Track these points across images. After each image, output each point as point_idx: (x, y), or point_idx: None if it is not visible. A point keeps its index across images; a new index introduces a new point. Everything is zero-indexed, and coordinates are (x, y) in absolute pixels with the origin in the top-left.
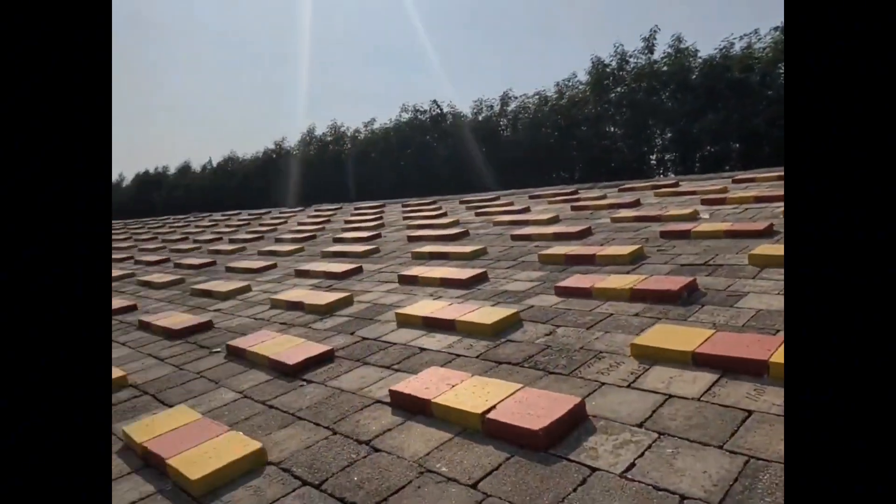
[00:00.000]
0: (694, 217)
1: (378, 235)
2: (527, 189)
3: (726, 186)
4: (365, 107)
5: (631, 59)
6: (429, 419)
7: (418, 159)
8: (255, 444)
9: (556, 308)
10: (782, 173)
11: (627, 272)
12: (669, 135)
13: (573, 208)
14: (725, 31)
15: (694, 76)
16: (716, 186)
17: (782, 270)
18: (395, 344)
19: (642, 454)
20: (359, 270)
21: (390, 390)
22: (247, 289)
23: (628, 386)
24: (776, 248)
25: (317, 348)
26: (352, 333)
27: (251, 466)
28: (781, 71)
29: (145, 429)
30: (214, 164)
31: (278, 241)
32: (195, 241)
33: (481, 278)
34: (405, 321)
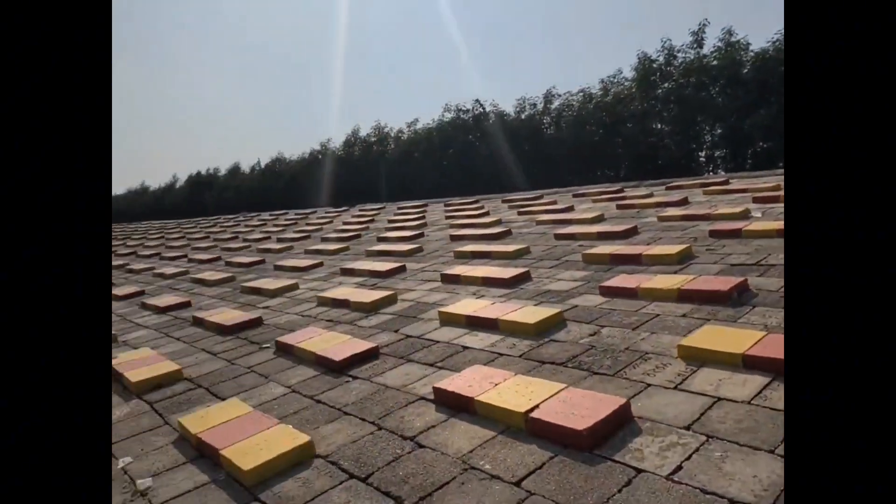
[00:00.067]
0: (745, 215)
1: (421, 235)
2: (570, 188)
3: (779, 184)
4: (409, 107)
5: (679, 54)
6: (472, 417)
7: (461, 159)
8: (303, 438)
9: (601, 308)
10: None
11: (675, 272)
12: (719, 131)
13: (618, 207)
14: (778, 23)
15: (745, 70)
16: (768, 184)
17: None
18: (438, 342)
19: (689, 457)
20: (402, 269)
21: (434, 387)
22: (294, 287)
23: (675, 388)
24: None
25: (362, 345)
26: (396, 331)
27: (300, 459)
28: None
29: (200, 420)
30: (263, 165)
31: (324, 240)
32: (245, 241)
33: (524, 277)
34: (448, 319)
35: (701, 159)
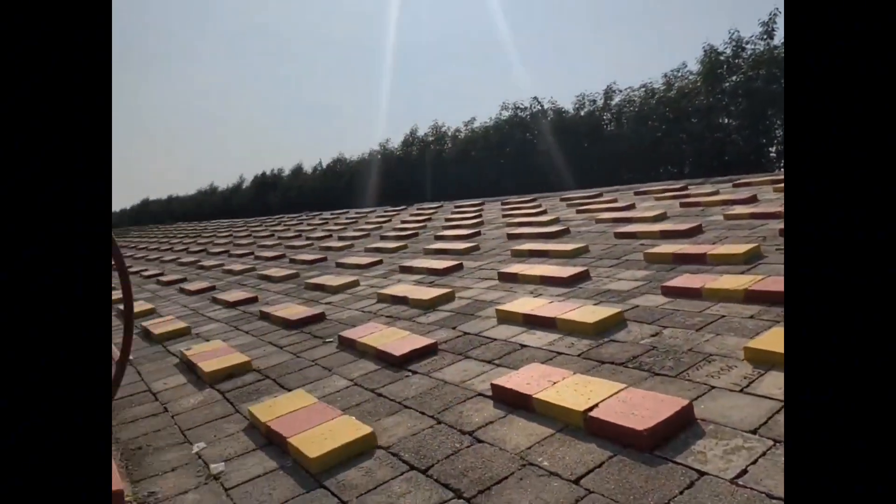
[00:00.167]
0: None
1: (478, 233)
2: (632, 185)
3: None
4: (467, 105)
5: (748, 46)
6: (530, 414)
7: (518, 157)
8: (366, 429)
9: (663, 308)
10: None
11: (742, 272)
12: None
13: (682, 205)
14: None
15: None
16: None
17: None
18: (495, 340)
19: (755, 461)
20: (459, 267)
21: (492, 384)
22: (355, 283)
23: (741, 391)
24: None
25: (421, 341)
26: (454, 328)
27: (362, 449)
28: None
29: (268, 409)
30: (324, 165)
31: (383, 238)
32: (307, 239)
33: (583, 276)
34: (505, 318)
35: (771, 155)
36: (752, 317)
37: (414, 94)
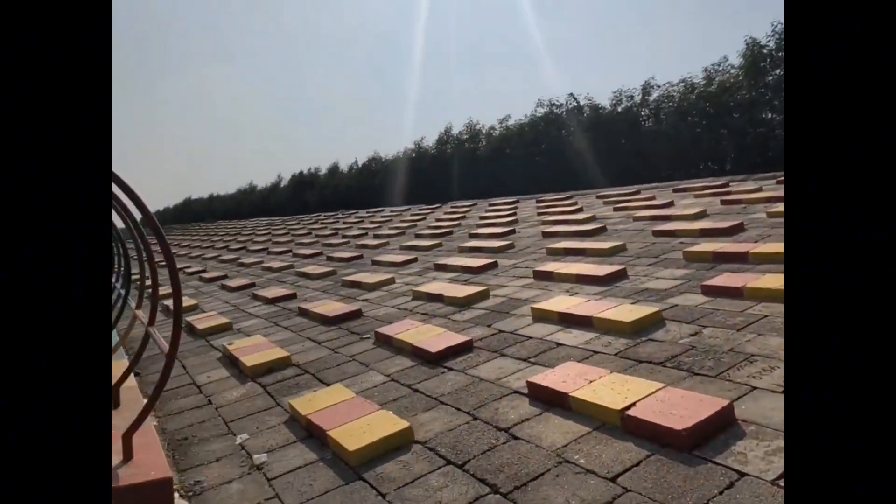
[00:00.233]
0: None
1: (512, 231)
2: (671, 182)
3: None
4: (503, 103)
5: None
6: (566, 412)
7: (552, 154)
8: (403, 423)
9: (703, 308)
10: None
11: None
12: None
13: (723, 202)
14: None
15: None
16: None
17: None
18: (531, 338)
19: None
20: (494, 265)
21: (528, 382)
22: (391, 281)
23: (783, 392)
24: None
25: (456, 338)
26: (489, 326)
27: (400, 443)
28: None
29: (308, 403)
30: (360, 164)
31: (418, 236)
32: (344, 237)
33: (620, 275)
34: (541, 316)
35: None
36: None
37: (446, 94)
